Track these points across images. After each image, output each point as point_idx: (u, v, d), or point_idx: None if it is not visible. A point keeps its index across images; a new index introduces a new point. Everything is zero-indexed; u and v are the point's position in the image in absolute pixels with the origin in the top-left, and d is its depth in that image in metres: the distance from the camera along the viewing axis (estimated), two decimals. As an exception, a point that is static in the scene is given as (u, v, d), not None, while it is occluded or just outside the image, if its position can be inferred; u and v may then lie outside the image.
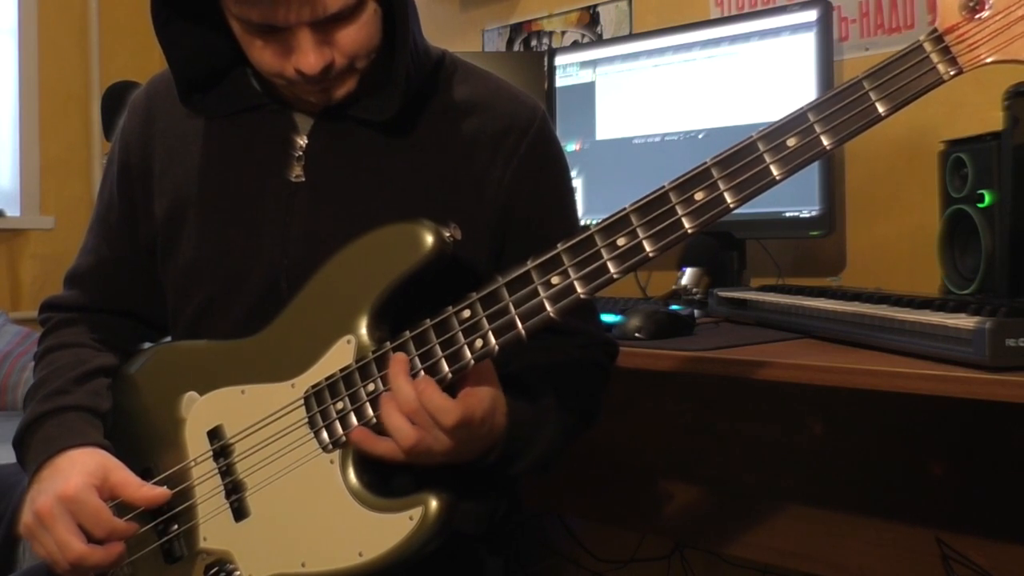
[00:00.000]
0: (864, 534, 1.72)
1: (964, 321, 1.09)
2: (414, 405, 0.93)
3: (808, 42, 1.78)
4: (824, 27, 1.77)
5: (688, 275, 1.82)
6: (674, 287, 1.83)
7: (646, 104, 1.99)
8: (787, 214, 1.80)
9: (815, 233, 1.79)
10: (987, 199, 1.48)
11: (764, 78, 1.83)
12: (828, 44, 1.77)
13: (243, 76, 1.12)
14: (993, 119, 1.47)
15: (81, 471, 1.02)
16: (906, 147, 1.85)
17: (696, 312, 1.62)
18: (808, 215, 1.78)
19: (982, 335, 1.04)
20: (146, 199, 1.16)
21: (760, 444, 1.87)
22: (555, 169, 1.17)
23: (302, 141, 1.11)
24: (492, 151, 1.11)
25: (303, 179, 1.10)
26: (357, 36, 1.01)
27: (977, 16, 0.85)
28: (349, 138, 1.10)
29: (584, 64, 2.10)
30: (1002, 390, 1.03)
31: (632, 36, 2.23)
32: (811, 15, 1.78)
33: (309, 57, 0.98)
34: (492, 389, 0.97)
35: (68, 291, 1.23)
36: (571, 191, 1.20)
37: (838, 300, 1.38)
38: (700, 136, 1.90)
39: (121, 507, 1.04)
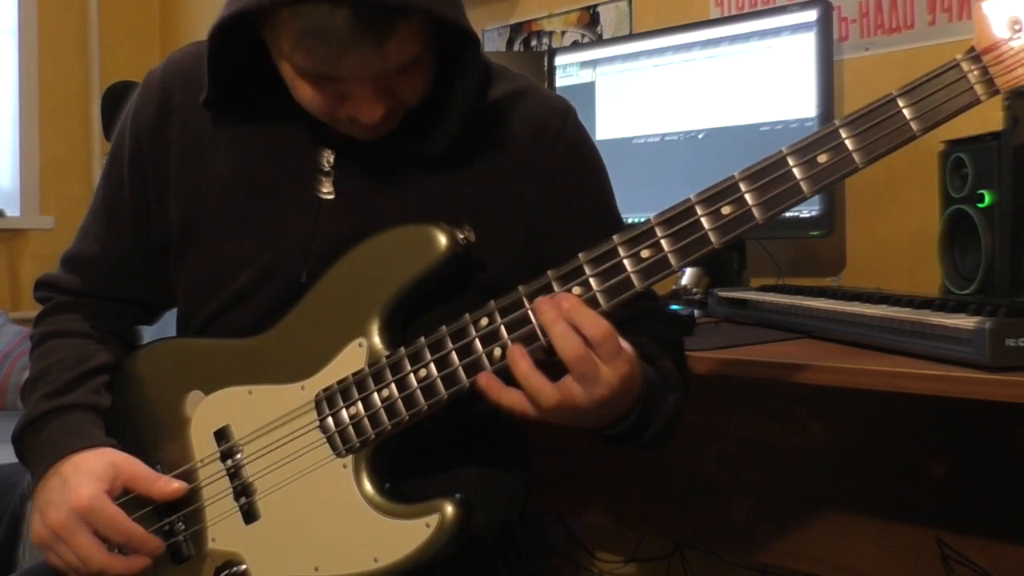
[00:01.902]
0: (864, 534, 1.72)
1: (964, 321, 1.08)
2: (581, 350, 0.86)
3: (808, 42, 1.78)
4: (824, 27, 1.77)
5: (688, 275, 1.82)
6: (674, 287, 1.83)
7: (646, 104, 1.99)
8: (787, 214, 1.80)
9: (815, 233, 1.79)
10: (987, 199, 1.48)
11: (764, 78, 1.83)
12: (828, 44, 1.77)
13: (270, 84, 1.07)
14: (993, 119, 1.47)
15: (89, 478, 1.01)
16: (906, 147, 1.85)
17: (696, 312, 1.62)
18: (808, 215, 1.78)
19: (982, 335, 1.04)
20: (160, 198, 1.13)
21: (760, 444, 1.87)
22: (590, 175, 1.13)
23: (330, 155, 1.07)
24: (523, 162, 1.08)
25: (332, 196, 1.07)
26: (416, 84, 0.98)
27: (1016, 36, 0.83)
28: (379, 153, 1.07)
29: (584, 64, 2.10)
30: (1002, 390, 1.03)
31: (632, 36, 2.23)
32: (811, 15, 1.77)
33: (366, 108, 0.95)
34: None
35: (67, 274, 1.20)
36: (608, 193, 1.15)
37: (838, 300, 1.38)
38: (700, 136, 1.90)
39: (132, 505, 1.04)
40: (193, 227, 1.11)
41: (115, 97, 2.66)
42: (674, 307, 1.67)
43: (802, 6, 1.79)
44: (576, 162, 1.11)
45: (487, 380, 0.92)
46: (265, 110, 1.08)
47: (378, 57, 0.91)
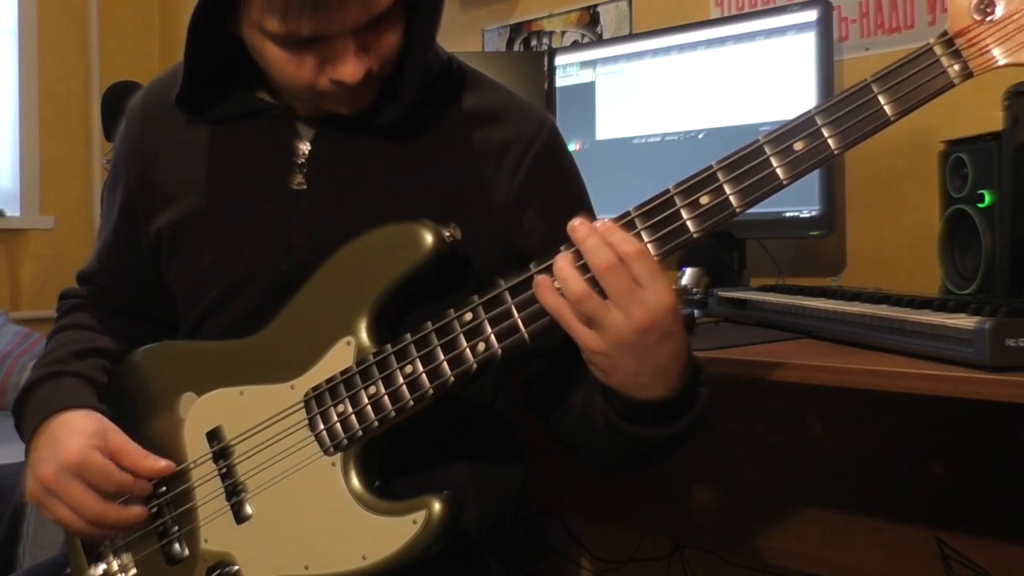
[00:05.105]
0: (864, 534, 1.72)
1: (964, 321, 1.08)
2: (611, 260, 0.84)
3: (808, 42, 1.78)
4: (824, 27, 1.77)
5: (688, 275, 1.82)
6: (674, 287, 1.83)
7: (646, 104, 1.99)
8: (787, 214, 1.80)
9: (815, 233, 1.79)
10: (987, 199, 1.48)
11: (764, 78, 1.83)
12: (828, 44, 1.77)
13: (244, 89, 1.11)
14: (993, 119, 1.47)
15: (80, 435, 1.02)
16: (906, 147, 1.85)
17: (696, 312, 1.62)
18: (808, 215, 1.78)
19: (982, 335, 1.04)
20: (147, 210, 1.16)
21: (760, 444, 1.87)
22: (565, 180, 1.14)
23: (304, 148, 1.10)
24: (498, 160, 1.09)
25: (305, 187, 1.08)
26: (391, 40, 1.00)
27: (988, 19, 0.84)
28: (353, 145, 1.09)
29: (584, 64, 2.10)
30: (1002, 390, 1.02)
31: (632, 36, 2.23)
32: (811, 15, 1.77)
33: (350, 66, 0.97)
34: None
35: (81, 288, 1.26)
36: (585, 202, 1.16)
37: (838, 300, 1.38)
38: (700, 136, 1.90)
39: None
40: (179, 230, 1.13)
41: (115, 97, 2.66)
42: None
43: (802, 6, 1.79)
44: (552, 161, 1.12)
45: (542, 279, 0.89)
46: (242, 109, 1.11)
47: (363, 5, 0.93)
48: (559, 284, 0.87)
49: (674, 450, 1.00)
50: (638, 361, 0.87)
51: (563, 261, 0.87)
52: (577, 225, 0.88)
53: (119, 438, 1.05)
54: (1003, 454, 1.58)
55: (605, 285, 0.85)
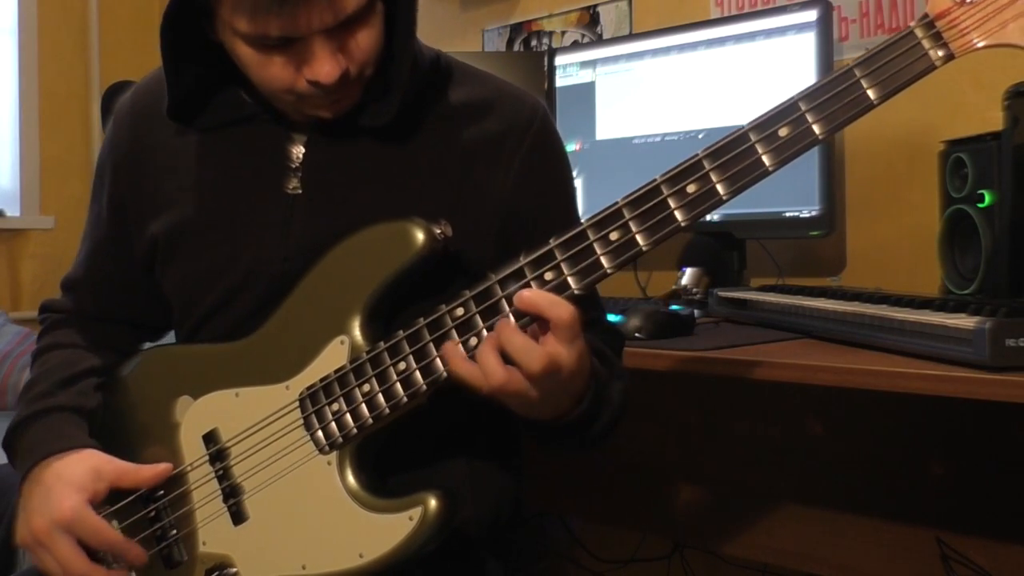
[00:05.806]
0: (864, 534, 1.72)
1: (964, 321, 1.08)
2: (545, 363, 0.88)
3: (808, 42, 1.78)
4: (824, 27, 1.77)
5: (688, 275, 1.82)
6: (674, 287, 1.83)
7: (646, 104, 1.99)
8: (787, 214, 1.80)
9: (815, 233, 1.79)
10: (987, 199, 1.48)
11: (764, 78, 1.83)
12: (828, 44, 1.77)
13: (232, 93, 1.10)
14: (993, 119, 1.47)
15: (71, 488, 1.02)
16: (906, 147, 1.85)
17: (696, 312, 1.62)
18: (808, 215, 1.78)
19: (982, 335, 1.04)
20: (139, 218, 1.15)
21: (760, 444, 1.87)
22: (558, 165, 1.15)
23: (298, 152, 1.09)
24: (493, 154, 1.09)
25: (300, 191, 1.08)
26: (368, 40, 0.99)
27: (968, 1, 0.84)
28: (347, 147, 1.08)
29: (584, 64, 2.10)
30: (1002, 390, 1.03)
31: (632, 36, 2.23)
32: (811, 15, 1.78)
33: (326, 66, 0.95)
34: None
35: (63, 296, 1.24)
36: (572, 185, 1.19)
37: (838, 300, 1.38)
38: (700, 136, 1.90)
39: (124, 512, 1.05)
40: (175, 237, 1.12)
41: (115, 97, 2.66)
42: (674, 307, 1.67)
43: (802, 6, 1.79)
44: (547, 148, 1.13)
45: (452, 348, 0.93)
46: (233, 115, 1.10)
47: (329, 5, 0.92)
48: (483, 369, 0.90)
49: (600, 443, 1.07)
50: (546, 405, 0.93)
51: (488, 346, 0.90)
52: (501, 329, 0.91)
53: (112, 467, 1.05)
54: (1003, 454, 1.58)
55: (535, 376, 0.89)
